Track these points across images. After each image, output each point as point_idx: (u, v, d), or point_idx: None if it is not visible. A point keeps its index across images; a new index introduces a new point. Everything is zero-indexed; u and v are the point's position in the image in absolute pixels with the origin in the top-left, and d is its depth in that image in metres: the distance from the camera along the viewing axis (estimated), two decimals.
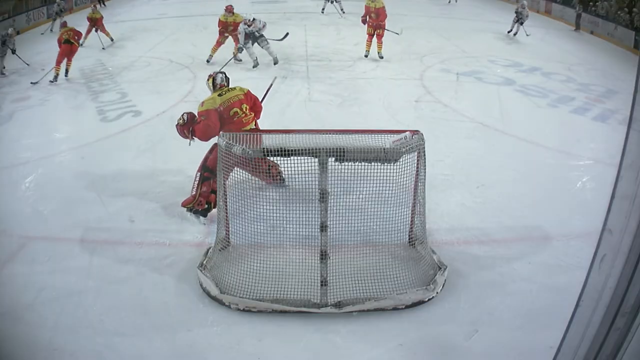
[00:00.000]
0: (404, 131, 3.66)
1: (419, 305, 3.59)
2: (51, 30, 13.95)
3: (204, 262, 3.87)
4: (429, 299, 3.63)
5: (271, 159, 4.10)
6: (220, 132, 3.87)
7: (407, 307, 3.58)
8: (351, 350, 3.28)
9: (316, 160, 3.40)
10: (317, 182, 3.47)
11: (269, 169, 4.50)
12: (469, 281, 3.87)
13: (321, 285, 3.53)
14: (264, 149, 3.48)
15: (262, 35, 9.74)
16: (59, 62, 9.32)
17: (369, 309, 3.54)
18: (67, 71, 9.54)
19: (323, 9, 15.86)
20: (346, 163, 3.46)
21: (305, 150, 3.39)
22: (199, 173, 4.67)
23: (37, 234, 4.53)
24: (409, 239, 4.03)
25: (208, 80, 4.85)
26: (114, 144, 6.50)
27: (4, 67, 10.00)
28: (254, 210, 3.74)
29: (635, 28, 12.83)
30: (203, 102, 4.64)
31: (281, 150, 3.45)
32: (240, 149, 3.51)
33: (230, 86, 4.86)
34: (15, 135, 6.85)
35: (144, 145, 6.43)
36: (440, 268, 3.80)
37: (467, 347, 3.28)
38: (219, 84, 4.78)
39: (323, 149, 3.37)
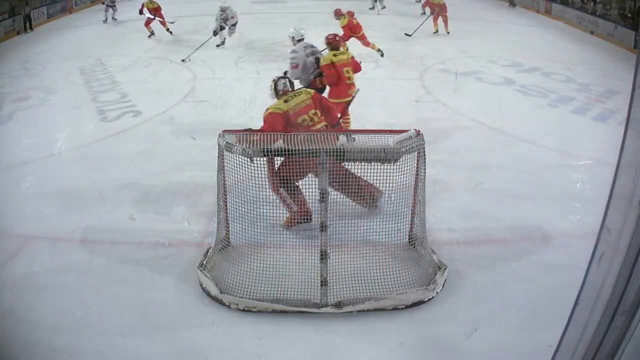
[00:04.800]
0: (404, 131, 3.66)
1: (419, 305, 3.60)
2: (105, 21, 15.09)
3: (204, 262, 3.87)
4: (429, 299, 3.63)
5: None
6: (220, 132, 3.87)
7: (407, 307, 3.58)
8: (351, 350, 3.28)
9: (316, 160, 3.41)
10: (317, 182, 3.47)
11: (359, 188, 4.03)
12: (469, 281, 3.87)
13: (321, 285, 3.54)
14: (263, 148, 3.49)
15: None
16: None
17: (368, 309, 3.54)
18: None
19: (371, 7, 16.22)
20: (346, 163, 3.46)
21: (305, 150, 3.40)
22: (281, 190, 4.19)
23: (37, 234, 4.53)
24: (409, 239, 4.03)
25: (270, 87, 4.57)
26: (114, 144, 6.51)
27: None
28: (254, 210, 3.74)
29: (636, 28, 12.82)
30: (268, 108, 4.35)
31: (281, 151, 3.46)
32: (240, 149, 3.52)
33: (296, 90, 4.56)
34: (15, 135, 6.86)
35: (144, 145, 6.44)
36: (440, 268, 3.80)
37: (467, 347, 3.28)
38: (281, 90, 4.48)
39: (323, 149, 3.38)
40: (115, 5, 15.24)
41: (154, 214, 4.85)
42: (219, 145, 3.74)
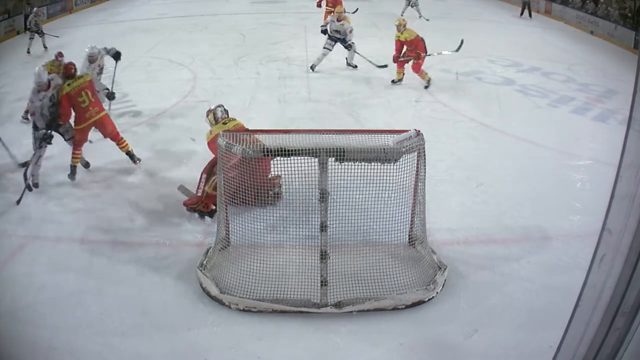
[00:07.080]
0: (404, 131, 3.66)
1: (419, 305, 3.60)
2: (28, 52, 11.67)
3: (204, 262, 3.87)
4: (429, 299, 3.63)
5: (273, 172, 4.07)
6: (221, 132, 3.88)
7: (407, 307, 3.58)
8: (351, 350, 3.28)
9: (316, 160, 3.40)
10: (317, 182, 3.47)
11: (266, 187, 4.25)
12: (469, 281, 3.88)
13: (321, 285, 3.54)
14: (264, 148, 3.49)
15: None
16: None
17: (369, 309, 3.54)
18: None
19: (402, 12, 15.12)
20: (346, 163, 3.46)
21: (305, 150, 3.39)
22: (205, 175, 4.68)
23: (37, 234, 4.54)
24: (409, 239, 4.03)
25: (208, 116, 4.99)
26: (114, 144, 6.49)
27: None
28: (254, 210, 3.74)
29: (636, 28, 12.82)
30: (211, 132, 4.83)
31: (281, 150, 3.45)
32: (240, 149, 3.52)
33: (229, 117, 5.03)
34: (15, 135, 6.84)
35: (143, 146, 6.43)
36: (440, 268, 3.80)
37: (467, 347, 3.28)
38: (220, 117, 4.97)
39: (323, 149, 3.38)
40: (40, 31, 12.05)
41: (154, 214, 4.85)
42: (219, 145, 3.74)
